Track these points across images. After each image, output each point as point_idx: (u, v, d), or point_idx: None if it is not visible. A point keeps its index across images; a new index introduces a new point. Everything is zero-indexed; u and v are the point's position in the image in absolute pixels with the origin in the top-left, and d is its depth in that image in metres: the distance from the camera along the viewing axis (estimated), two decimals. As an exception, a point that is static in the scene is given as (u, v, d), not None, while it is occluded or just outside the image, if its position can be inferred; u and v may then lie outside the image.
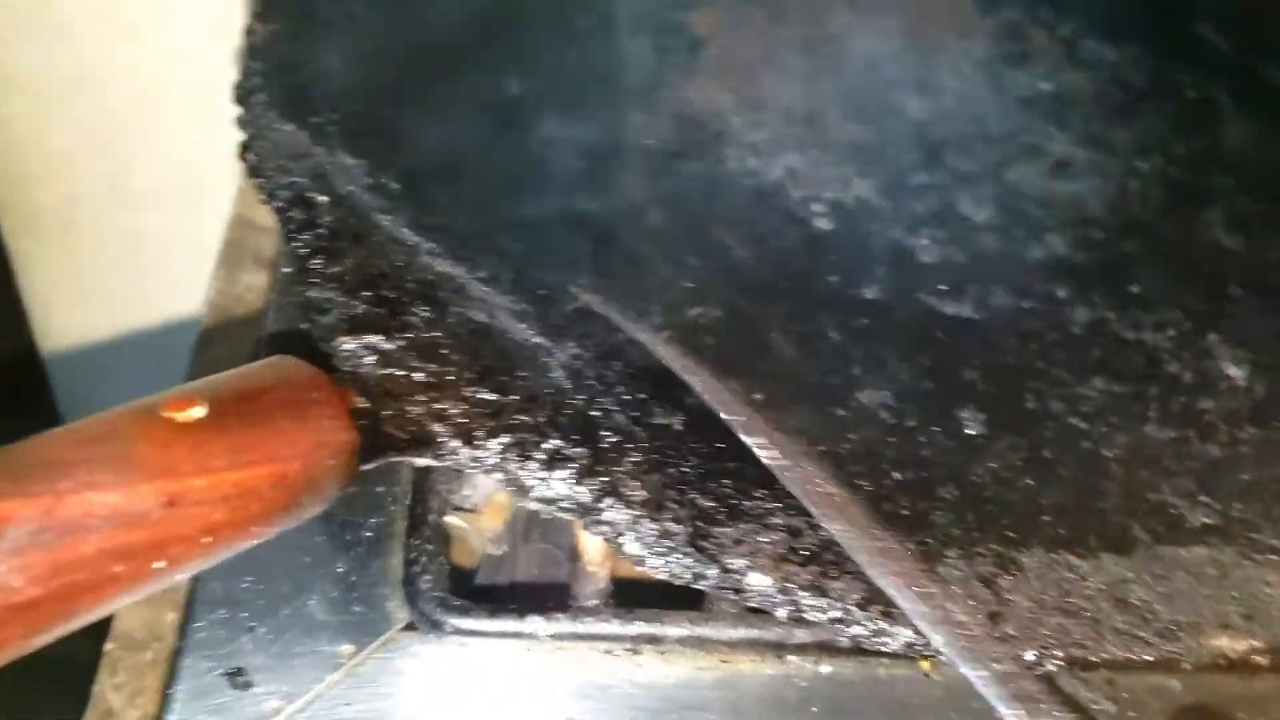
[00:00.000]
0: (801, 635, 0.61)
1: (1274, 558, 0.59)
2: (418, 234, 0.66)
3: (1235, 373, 0.68)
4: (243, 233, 0.82)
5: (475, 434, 0.57)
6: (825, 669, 0.61)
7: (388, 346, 0.60)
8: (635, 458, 0.58)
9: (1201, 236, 0.75)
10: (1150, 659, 0.55)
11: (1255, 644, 0.55)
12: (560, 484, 0.56)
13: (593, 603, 0.62)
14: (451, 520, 0.65)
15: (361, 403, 0.54)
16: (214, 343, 0.77)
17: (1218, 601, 0.57)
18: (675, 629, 0.61)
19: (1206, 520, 0.61)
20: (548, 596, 0.63)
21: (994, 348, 0.67)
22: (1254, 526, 0.60)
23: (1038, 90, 0.84)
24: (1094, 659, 0.55)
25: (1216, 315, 0.70)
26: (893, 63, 0.83)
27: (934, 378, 0.66)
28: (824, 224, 0.73)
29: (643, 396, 0.61)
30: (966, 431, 0.62)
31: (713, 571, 0.55)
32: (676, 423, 0.61)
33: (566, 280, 0.67)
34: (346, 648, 0.61)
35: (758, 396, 0.62)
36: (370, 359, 0.59)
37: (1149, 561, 0.58)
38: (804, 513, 0.58)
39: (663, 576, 0.56)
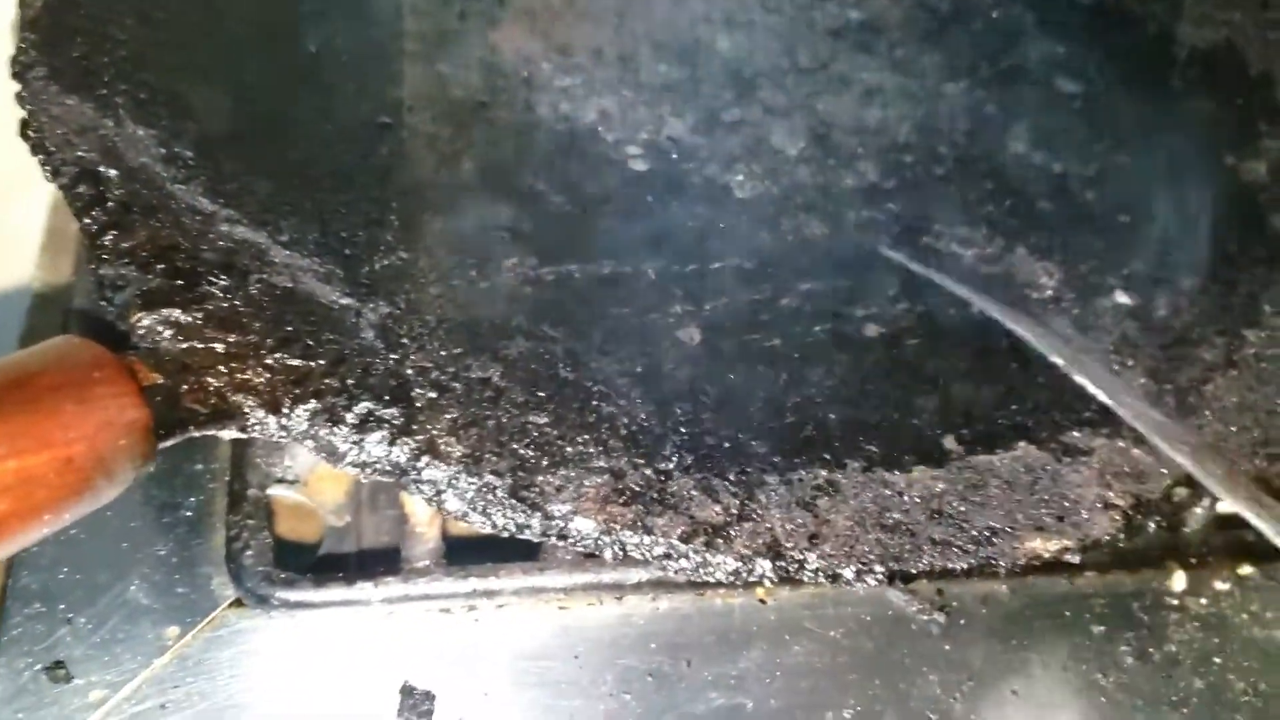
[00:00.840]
0: (637, 575, 0.61)
1: (1084, 458, 0.61)
2: (216, 201, 0.64)
3: (1045, 281, 0.70)
4: (65, 219, 0.78)
5: (282, 402, 0.56)
6: (662, 605, 0.62)
7: (185, 319, 0.57)
8: (452, 413, 0.57)
9: (1009, 155, 0.76)
10: (966, 565, 0.56)
11: (1067, 543, 0.57)
12: (375, 446, 0.55)
13: (424, 563, 0.61)
14: (290, 494, 0.63)
15: (154, 379, 0.52)
16: (39, 332, 0.73)
17: (1030, 505, 0.59)
18: (510, 581, 0.61)
19: (1019, 423, 0.62)
20: (380, 562, 0.62)
21: (808, 276, 0.68)
22: (1062, 429, 0.62)
23: (847, 19, 0.84)
24: (912, 570, 0.56)
25: (1025, 230, 0.72)
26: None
27: (751, 309, 0.66)
28: (639, 165, 0.73)
29: (458, 350, 0.60)
30: (781, 360, 0.63)
31: (536, 520, 0.55)
32: (494, 375, 0.60)
33: (375, 237, 0.65)
34: (172, 630, 0.59)
35: (573, 344, 0.61)
36: (168, 333, 0.57)
37: (963, 472, 0.60)
38: (628, 453, 0.58)
39: (487, 530, 0.55)
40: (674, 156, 0.73)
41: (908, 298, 0.68)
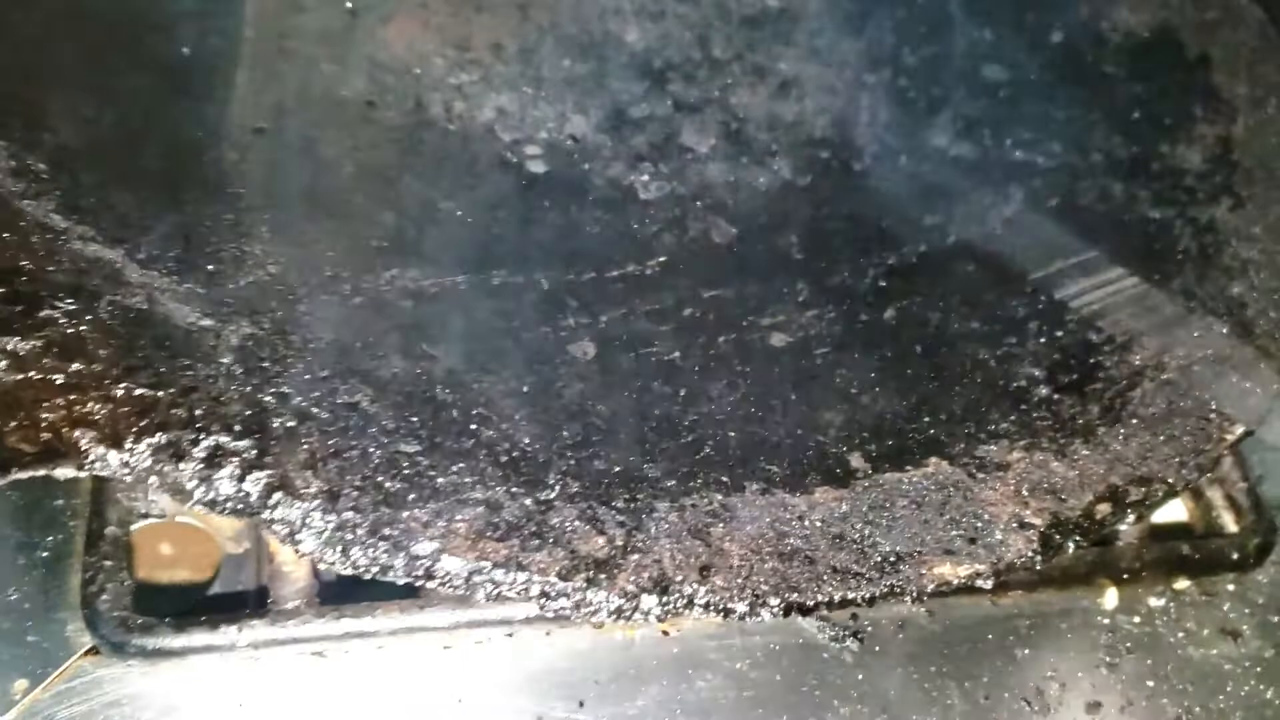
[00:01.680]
0: (526, 609, 0.57)
1: (999, 474, 0.56)
2: (69, 218, 0.59)
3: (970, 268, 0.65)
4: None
5: (124, 436, 0.51)
6: (557, 641, 0.57)
7: (23, 347, 0.52)
8: (310, 443, 0.52)
9: (930, 148, 0.72)
10: (869, 595, 0.51)
11: (979, 568, 0.53)
12: (223, 483, 0.50)
13: (293, 604, 0.56)
14: (189, 520, 0.59)
15: (-30, 418, 0.47)
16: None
17: (939, 527, 0.54)
18: (389, 621, 0.56)
19: (931, 436, 0.57)
20: (244, 602, 0.57)
21: (713, 283, 0.63)
22: (977, 441, 0.57)
23: (765, 6, 0.79)
24: (810, 602, 0.51)
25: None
26: (609, -12, 0.77)
27: (651, 320, 0.61)
28: (537, 167, 0.68)
29: (325, 373, 0.55)
30: (680, 374, 0.58)
31: (400, 560, 0.50)
32: (363, 399, 0.55)
33: (243, 252, 0.60)
34: (20, 683, 0.54)
35: (455, 362, 0.56)
36: (3, 364, 0.52)
37: (869, 492, 0.55)
38: (506, 482, 0.53)
39: (348, 572, 0.50)
40: (575, 157, 0.68)
41: (818, 303, 0.63)
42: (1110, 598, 0.61)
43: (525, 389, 0.57)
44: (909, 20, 0.78)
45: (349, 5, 0.72)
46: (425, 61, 0.71)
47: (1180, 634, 0.61)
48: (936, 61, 0.77)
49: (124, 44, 0.67)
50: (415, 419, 0.54)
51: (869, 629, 0.58)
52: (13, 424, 0.49)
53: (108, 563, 0.55)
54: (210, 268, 0.58)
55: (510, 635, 0.57)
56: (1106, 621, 0.61)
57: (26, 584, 0.56)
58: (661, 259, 0.64)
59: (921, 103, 0.74)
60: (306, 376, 0.54)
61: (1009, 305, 0.63)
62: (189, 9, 0.70)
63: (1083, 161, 0.71)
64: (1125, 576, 0.61)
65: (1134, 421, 0.58)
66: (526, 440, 0.54)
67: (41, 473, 0.48)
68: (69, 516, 0.58)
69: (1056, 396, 0.58)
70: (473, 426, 0.54)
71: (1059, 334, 0.62)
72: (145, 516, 0.58)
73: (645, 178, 0.68)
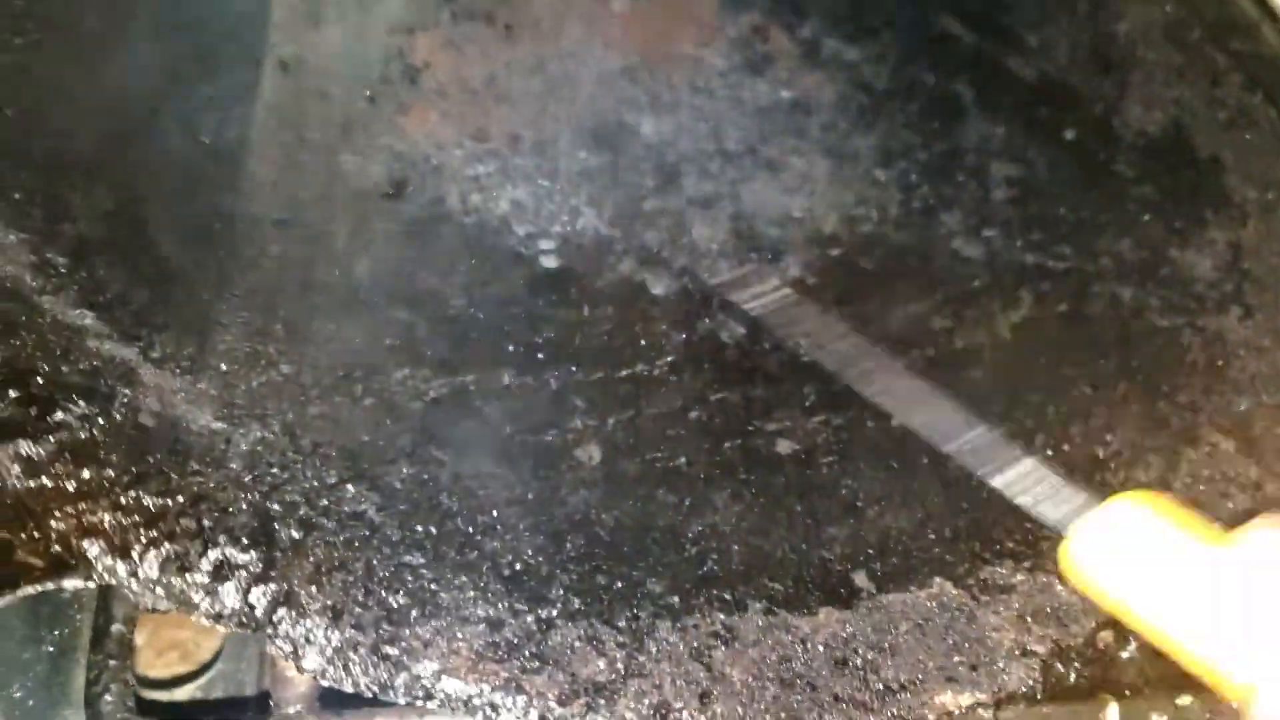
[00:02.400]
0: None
1: (1003, 597, 0.56)
2: (86, 315, 0.59)
3: (978, 375, 0.65)
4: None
5: (131, 546, 0.51)
6: (561, 752, 0.56)
7: (36, 452, 0.52)
8: (316, 555, 0.52)
9: (940, 248, 0.71)
10: (868, 725, 0.51)
11: (981, 697, 0.52)
12: (229, 596, 0.50)
13: (294, 708, 0.56)
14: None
15: (-20, 532, 0.47)
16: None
17: (942, 653, 0.53)
18: (388, 726, 0.55)
19: (936, 555, 0.57)
20: (245, 706, 0.57)
21: (720, 384, 0.62)
22: (982, 562, 0.56)
23: (778, 98, 0.79)
24: (810, 732, 0.51)
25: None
26: (628, 80, 0.77)
27: (657, 423, 0.61)
28: (550, 262, 0.68)
29: (333, 480, 0.55)
30: (684, 482, 0.58)
31: (400, 680, 0.50)
32: (370, 507, 0.55)
33: (257, 351, 0.60)
34: (21, 786, 0.54)
35: (462, 467, 0.56)
36: (17, 469, 0.52)
37: (873, 614, 0.54)
38: (509, 596, 0.53)
39: (349, 690, 0.50)
40: (587, 252, 0.68)
41: (825, 409, 0.62)
42: (1112, 714, 0.60)
43: (530, 495, 0.56)
44: (922, 114, 0.78)
45: (368, 94, 0.72)
46: (443, 151, 0.71)
47: (1182, 753, 0.60)
48: (948, 157, 0.76)
49: (146, 134, 0.67)
50: (420, 529, 0.54)
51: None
52: (23, 535, 0.48)
53: (113, 662, 0.55)
54: (223, 367, 0.58)
55: (511, 744, 0.56)
56: (1108, 739, 0.60)
57: (30, 680, 0.56)
58: (670, 358, 0.64)
59: (932, 200, 0.73)
60: (315, 482, 0.54)
61: (1015, 416, 0.62)
62: (209, 98, 0.70)
63: (1092, 265, 0.70)
64: (1127, 693, 0.60)
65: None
66: (530, 552, 0.54)
67: (50, 586, 0.48)
68: (75, 609, 0.58)
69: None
70: (477, 538, 0.54)
71: (1066, 447, 0.61)
72: (154, 611, 0.58)
73: (655, 274, 0.67)
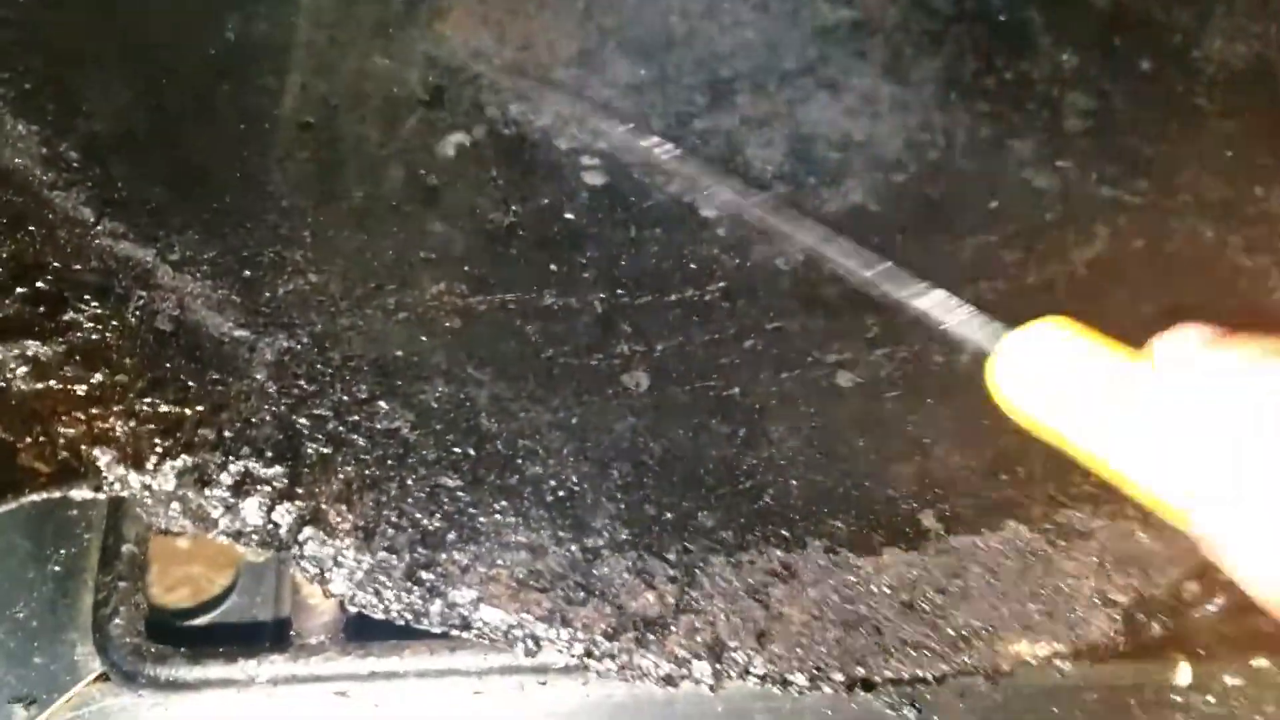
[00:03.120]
0: (564, 657, 0.52)
1: (1080, 542, 0.51)
2: (99, 211, 0.54)
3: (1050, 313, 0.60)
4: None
5: (145, 456, 0.46)
6: (594, 692, 0.52)
7: (43, 352, 0.48)
8: (346, 473, 0.47)
9: (1011, 178, 0.66)
10: (938, 674, 0.46)
11: (1059, 647, 0.48)
12: (251, 513, 0.46)
13: (318, 639, 0.51)
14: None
15: (-19, 433, 0.43)
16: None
17: (1016, 599, 0.49)
18: (418, 662, 0.51)
19: (1008, 497, 0.52)
20: (264, 634, 0.52)
21: (776, 313, 0.58)
22: (1058, 505, 0.52)
23: (839, 17, 0.74)
24: (877, 678, 0.46)
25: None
26: (677, -11, 0.72)
27: (709, 351, 0.56)
28: (594, 179, 0.62)
29: (364, 395, 0.51)
30: (739, 412, 0.53)
31: (435, 608, 0.45)
32: (404, 425, 0.50)
33: (282, 257, 0.55)
34: (20, 712, 0.49)
35: (501, 388, 0.52)
36: (21, 370, 0.47)
37: (941, 556, 0.50)
38: (552, 524, 0.48)
39: (379, 616, 0.46)
40: (634, 169, 0.63)
41: (888, 341, 0.58)
42: (1184, 674, 0.56)
43: (574, 420, 0.52)
44: (991, 39, 0.73)
45: (405, -6, 0.67)
46: (482, 59, 0.66)
47: (1257, 716, 0.55)
48: (1019, 85, 0.71)
49: (166, 26, 0.62)
50: (458, 450, 0.49)
51: (927, 696, 0.53)
52: (28, 440, 0.44)
53: (122, 583, 0.51)
54: (247, 273, 0.53)
55: (544, 684, 0.52)
56: (1180, 699, 0.55)
57: (35, 600, 0.52)
58: (722, 284, 0.59)
59: (1003, 128, 0.68)
60: (345, 397, 0.50)
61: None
62: (236, -3, 0.65)
63: (1171, 201, 0.65)
64: (1201, 652, 0.56)
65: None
66: (574, 479, 0.49)
67: (56, 494, 0.44)
68: (84, 528, 0.54)
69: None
70: (518, 461, 0.50)
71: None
72: (165, 533, 0.53)
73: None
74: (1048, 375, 0.41)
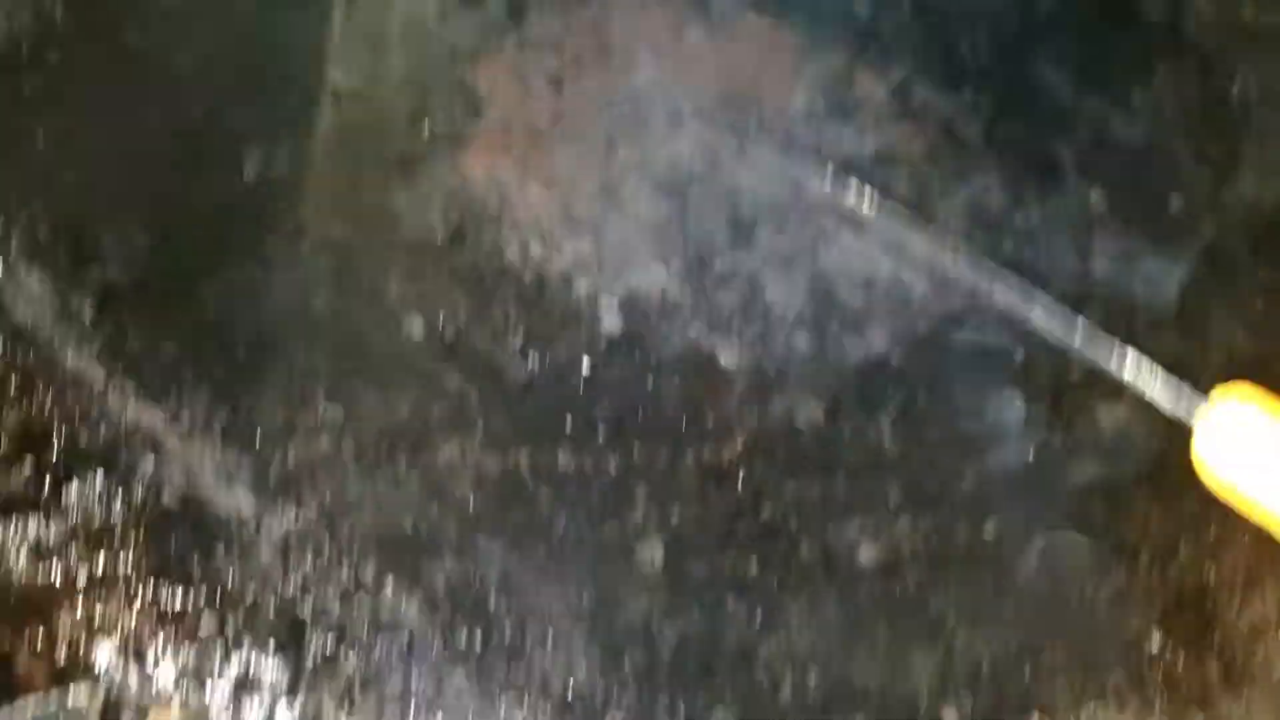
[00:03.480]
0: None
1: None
2: (110, 370, 0.53)
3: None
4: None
5: (147, 649, 0.44)
6: None
7: (47, 534, 0.46)
8: (348, 669, 0.46)
9: (1036, 327, 0.64)
10: None
11: None
12: (251, 714, 0.44)
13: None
14: None
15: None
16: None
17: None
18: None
19: (1030, 690, 0.50)
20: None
21: (795, 476, 0.56)
22: (1083, 698, 0.50)
23: (863, 147, 0.72)
24: None
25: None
26: (702, 121, 0.70)
27: (726, 518, 0.54)
28: (613, 324, 0.61)
29: (371, 575, 0.49)
30: (756, 591, 0.51)
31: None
32: (411, 611, 0.48)
33: (295, 419, 0.53)
34: None
35: (512, 563, 0.50)
36: (24, 552, 0.45)
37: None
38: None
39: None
40: (653, 313, 0.61)
41: (911, 509, 0.56)
42: None
43: (585, 600, 0.50)
44: (1017, 173, 0.71)
45: (427, 129, 0.66)
46: (504, 196, 0.64)
47: None
48: (1045, 222, 0.69)
49: (182, 166, 0.61)
50: (464, 638, 0.47)
51: None
52: (27, 636, 0.42)
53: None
54: (256, 439, 0.52)
55: None
56: None
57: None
58: (740, 442, 0.57)
59: (1029, 274, 0.66)
60: (351, 581, 0.48)
61: (1120, 529, 0.55)
62: (255, 129, 0.63)
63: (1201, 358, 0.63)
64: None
65: (1257, 688, 0.50)
66: (585, 668, 0.47)
67: (53, 703, 0.42)
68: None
69: (1170, 651, 0.50)
70: (526, 649, 0.48)
71: (1170, 570, 0.54)
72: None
73: (726, 342, 0.61)
74: (1250, 445, 0.41)
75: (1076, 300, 0.65)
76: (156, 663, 0.43)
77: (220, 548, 0.47)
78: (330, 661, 0.45)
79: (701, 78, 0.71)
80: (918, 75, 0.74)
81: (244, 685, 0.43)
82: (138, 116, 0.63)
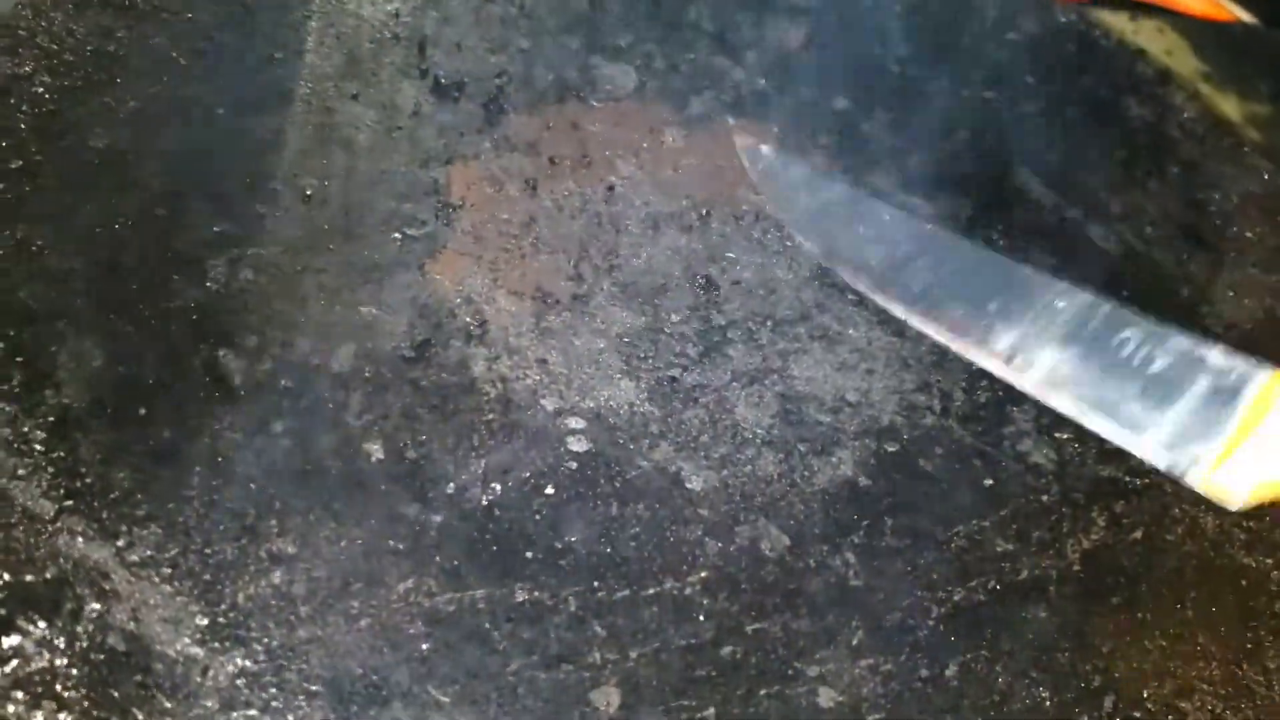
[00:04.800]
0: None
1: None
2: (58, 504, 0.51)
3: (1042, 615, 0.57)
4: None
5: (82, 819, 0.43)
6: None
7: (-14, 684, 0.44)
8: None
9: (1009, 451, 0.63)
10: None
11: None
12: None
13: None
14: None
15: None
16: None
17: None
18: None
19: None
20: None
21: (758, 612, 0.55)
22: None
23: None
24: None
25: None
26: (677, 227, 0.69)
27: (686, 659, 0.53)
28: (579, 445, 0.59)
29: (320, 717, 0.47)
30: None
31: None
32: (359, 763, 0.47)
33: (247, 554, 0.52)
34: None
35: (464, 716, 0.48)
36: (-39, 704, 0.44)
37: None
38: None
39: None
40: (620, 432, 0.60)
41: (872, 650, 0.55)
42: None
43: (542, 750, 0.48)
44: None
45: (396, 234, 0.64)
46: (473, 307, 0.63)
47: None
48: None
49: (144, 277, 0.60)
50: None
51: None
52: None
53: None
54: (207, 576, 0.51)
55: None
56: None
57: None
58: (703, 574, 0.56)
59: (1000, 391, 0.65)
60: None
61: (1082, 670, 0.54)
62: (218, 235, 0.62)
63: (1173, 485, 0.62)
64: None
65: None
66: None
67: None
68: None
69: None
70: (475, 813, 0.46)
71: (1137, 715, 0.53)
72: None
73: (693, 464, 0.59)
74: None
75: (1051, 432, 0.64)
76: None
77: (165, 694, 0.46)
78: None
79: (676, 182, 0.70)
80: (895, 180, 0.73)
81: None
82: (99, 223, 0.61)
